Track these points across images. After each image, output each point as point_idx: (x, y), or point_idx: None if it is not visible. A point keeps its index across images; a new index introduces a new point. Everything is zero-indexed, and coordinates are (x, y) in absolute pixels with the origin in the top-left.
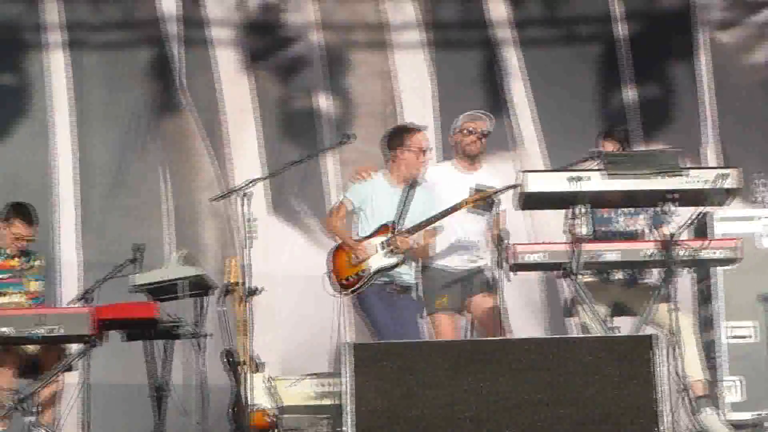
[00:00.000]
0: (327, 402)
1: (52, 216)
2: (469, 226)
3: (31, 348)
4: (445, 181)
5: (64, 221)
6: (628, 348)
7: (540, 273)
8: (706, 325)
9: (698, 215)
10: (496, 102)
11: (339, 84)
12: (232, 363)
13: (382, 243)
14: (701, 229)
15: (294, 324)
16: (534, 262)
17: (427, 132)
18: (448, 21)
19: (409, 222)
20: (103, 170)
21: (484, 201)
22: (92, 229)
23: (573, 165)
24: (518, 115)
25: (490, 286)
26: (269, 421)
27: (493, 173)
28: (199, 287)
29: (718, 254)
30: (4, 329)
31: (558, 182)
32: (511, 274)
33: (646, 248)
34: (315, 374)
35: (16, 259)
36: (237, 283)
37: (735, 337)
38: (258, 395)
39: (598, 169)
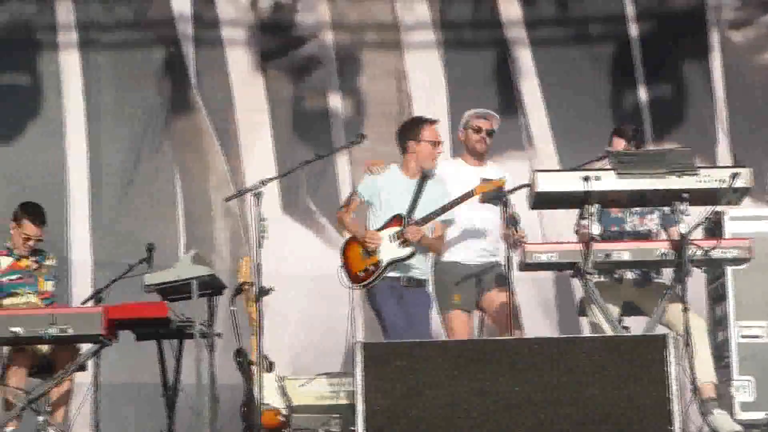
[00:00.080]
0: (338, 402)
1: (65, 216)
2: (481, 217)
3: (44, 348)
4: (454, 176)
5: (77, 221)
6: (641, 348)
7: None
8: (718, 325)
9: (710, 215)
10: (509, 102)
11: (351, 84)
12: (244, 362)
13: (394, 234)
14: (713, 228)
15: (305, 324)
16: (545, 262)
17: (439, 124)
18: (461, 21)
19: (420, 214)
20: (115, 170)
21: (493, 188)
22: (104, 229)
23: (586, 165)
24: (531, 115)
25: (504, 282)
26: (280, 420)
27: (500, 167)
28: (210, 287)
29: (730, 254)
30: (15, 329)
31: (569, 182)
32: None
33: (659, 248)
34: (326, 374)
35: (28, 259)
36: (248, 283)
37: (746, 336)
38: (269, 395)
39: (610, 169)
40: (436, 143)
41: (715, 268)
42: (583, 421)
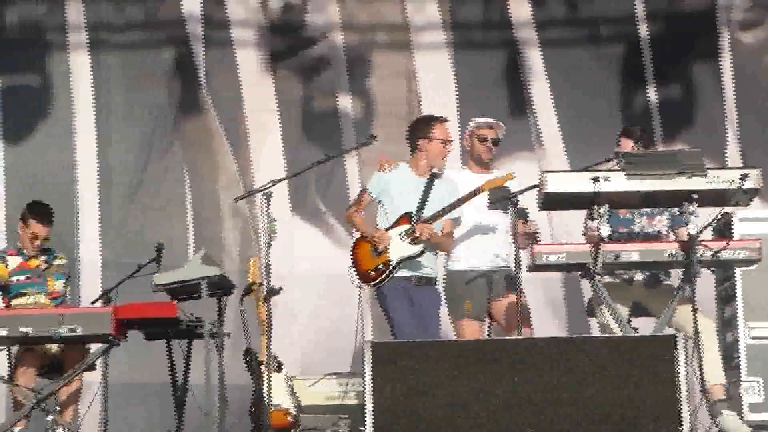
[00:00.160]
0: (346, 402)
1: (74, 216)
2: (491, 222)
3: (53, 348)
4: (462, 184)
5: (86, 221)
6: (651, 348)
7: (561, 273)
8: (727, 326)
9: (719, 216)
10: (518, 102)
11: (361, 84)
12: (253, 363)
13: (404, 232)
14: (722, 229)
15: (314, 324)
16: (554, 263)
17: (450, 123)
18: (471, 21)
19: (429, 212)
20: (125, 170)
21: (501, 184)
22: (114, 229)
23: (595, 166)
24: (540, 116)
25: (514, 287)
26: (289, 420)
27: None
28: (220, 287)
29: (739, 255)
30: (24, 329)
31: (578, 183)
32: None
33: (668, 249)
34: (335, 374)
35: (38, 259)
36: (258, 283)
37: (755, 338)
38: (278, 395)
39: (619, 170)
40: (446, 141)
41: (724, 270)
42: (592, 422)
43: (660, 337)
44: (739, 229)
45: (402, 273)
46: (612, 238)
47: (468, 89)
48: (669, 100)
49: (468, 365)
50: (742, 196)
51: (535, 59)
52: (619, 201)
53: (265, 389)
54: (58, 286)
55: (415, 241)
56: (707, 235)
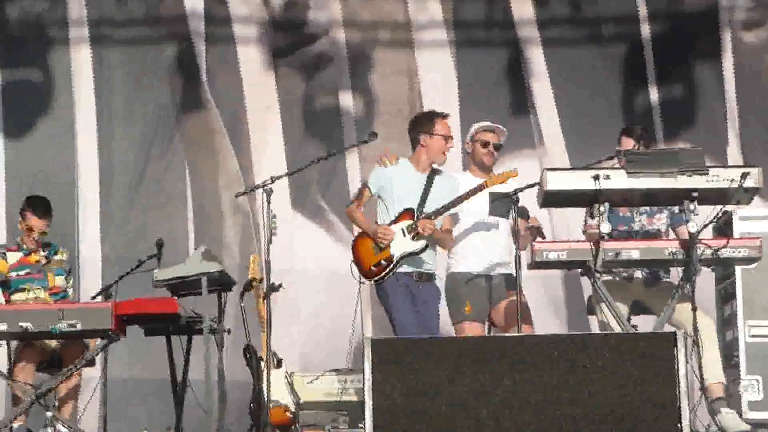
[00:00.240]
0: (346, 398)
1: (75, 212)
2: (493, 226)
3: (53, 343)
4: (463, 188)
5: (87, 218)
6: (651, 346)
7: (562, 271)
8: (726, 324)
9: (720, 214)
10: (520, 101)
11: (362, 82)
12: (253, 359)
13: (406, 228)
14: (723, 228)
15: (314, 320)
16: (555, 260)
17: (451, 119)
18: (473, 20)
19: (430, 208)
20: (126, 166)
21: (503, 181)
22: (115, 225)
23: (597, 164)
24: (542, 115)
25: (514, 288)
26: (288, 417)
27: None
28: (220, 283)
29: (740, 253)
30: (24, 324)
31: (578, 180)
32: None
33: (669, 247)
34: (334, 370)
35: (38, 254)
36: (258, 280)
37: (755, 336)
38: (277, 391)
39: (619, 168)
40: (448, 137)
41: (724, 268)
42: (593, 421)
43: (660, 334)
44: (739, 228)
45: (403, 269)
46: (612, 236)
47: (470, 88)
48: (671, 99)
49: (468, 363)
50: (743, 195)
51: (537, 58)
52: (619, 199)
53: (264, 386)
54: (59, 281)
55: (417, 236)
56: (707, 233)
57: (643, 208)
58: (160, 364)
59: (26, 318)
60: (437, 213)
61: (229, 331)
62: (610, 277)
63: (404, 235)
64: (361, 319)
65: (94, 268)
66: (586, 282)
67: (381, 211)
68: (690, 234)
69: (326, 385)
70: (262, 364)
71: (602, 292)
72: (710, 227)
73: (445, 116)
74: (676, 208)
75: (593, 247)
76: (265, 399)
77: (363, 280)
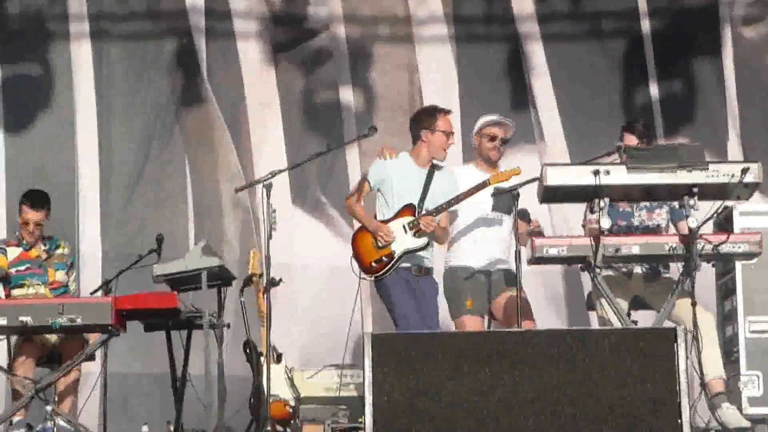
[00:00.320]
0: (346, 393)
1: (75, 207)
2: (494, 222)
3: (52, 338)
4: (466, 181)
5: (87, 213)
6: (651, 341)
7: (562, 266)
8: (726, 320)
9: (720, 209)
10: (520, 96)
11: (362, 77)
12: (252, 354)
13: (408, 224)
14: (723, 223)
15: (314, 315)
16: (555, 256)
17: (452, 115)
18: (473, 15)
19: (430, 204)
20: (126, 161)
21: (506, 179)
22: (115, 220)
23: (597, 159)
24: (542, 110)
25: (514, 284)
26: (288, 411)
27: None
28: (220, 278)
29: (740, 248)
30: (24, 318)
31: (579, 176)
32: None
33: (669, 242)
34: (334, 365)
35: (38, 248)
36: (258, 275)
37: (755, 332)
38: (277, 386)
39: (619, 163)
40: (449, 134)
41: (724, 263)
42: (593, 418)
43: (660, 330)
44: (739, 223)
45: (402, 264)
46: (612, 231)
47: (470, 83)
48: (671, 95)
49: (468, 362)
50: (743, 190)
51: (537, 53)
52: (619, 194)
53: (264, 380)
54: (59, 276)
55: (419, 233)
56: (708, 228)
57: (642, 204)
58: (160, 359)
59: (26, 312)
60: (439, 210)
61: (228, 326)
62: (609, 273)
63: (405, 231)
64: (361, 314)
65: (95, 264)
66: (586, 278)
67: (380, 205)
68: (690, 229)
69: (326, 380)
70: (262, 358)
71: (602, 288)
72: (710, 222)
73: (447, 112)
74: (676, 204)
75: (593, 243)
76: (265, 394)
77: (363, 275)
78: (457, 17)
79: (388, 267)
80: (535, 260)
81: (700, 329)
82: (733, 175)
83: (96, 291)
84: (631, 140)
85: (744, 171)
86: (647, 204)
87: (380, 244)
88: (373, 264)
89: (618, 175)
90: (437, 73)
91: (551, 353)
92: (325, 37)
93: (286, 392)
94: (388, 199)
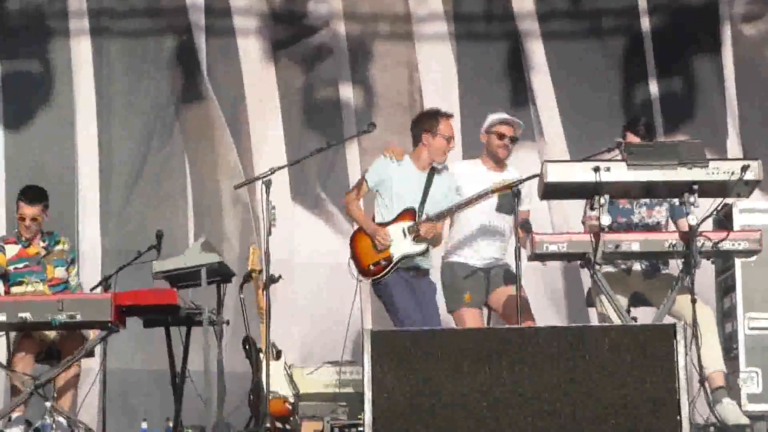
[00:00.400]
0: (345, 390)
1: (75, 204)
2: (494, 221)
3: (51, 335)
4: (471, 177)
5: (86, 209)
6: (650, 338)
7: (562, 263)
8: (726, 316)
9: (720, 206)
10: (520, 94)
11: (362, 74)
12: (252, 350)
13: (407, 229)
14: (723, 220)
15: (313, 312)
16: (555, 252)
17: (453, 119)
18: (473, 13)
19: (430, 207)
20: (126, 158)
21: (509, 188)
22: (114, 217)
23: (596, 155)
24: (542, 108)
25: (512, 279)
26: (287, 408)
27: (520, 173)
28: (219, 274)
29: (739, 245)
30: (23, 315)
31: (579, 172)
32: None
33: (669, 239)
34: (333, 362)
35: (37, 245)
36: (257, 271)
37: (754, 328)
38: (276, 383)
39: (620, 160)
40: (450, 138)
41: (724, 260)
42: (592, 414)
43: (660, 326)
44: (739, 220)
45: (399, 266)
46: (612, 228)
47: (470, 81)
48: (670, 93)
49: (468, 360)
50: (743, 188)
51: (537, 51)
52: (619, 191)
53: (263, 377)
54: (59, 272)
55: (418, 239)
56: (707, 225)
57: (642, 201)
58: (159, 355)
59: (25, 309)
60: (440, 216)
61: (228, 323)
62: (609, 269)
63: (405, 235)
64: (360, 311)
65: (94, 261)
66: (585, 275)
67: (379, 206)
68: (690, 226)
69: (325, 377)
70: (262, 355)
71: (602, 284)
72: (710, 220)
73: (449, 116)
74: (676, 201)
75: (593, 239)
76: (265, 390)
77: (360, 278)
78: (457, 15)
79: (386, 271)
80: (535, 256)
81: (700, 323)
82: (733, 173)
83: (95, 287)
84: (634, 139)
85: (744, 168)
86: (647, 201)
87: (378, 248)
88: (371, 267)
89: (618, 172)
90: (437, 70)
91: (551, 351)
92: (325, 35)
93: (285, 389)
94: (387, 200)
